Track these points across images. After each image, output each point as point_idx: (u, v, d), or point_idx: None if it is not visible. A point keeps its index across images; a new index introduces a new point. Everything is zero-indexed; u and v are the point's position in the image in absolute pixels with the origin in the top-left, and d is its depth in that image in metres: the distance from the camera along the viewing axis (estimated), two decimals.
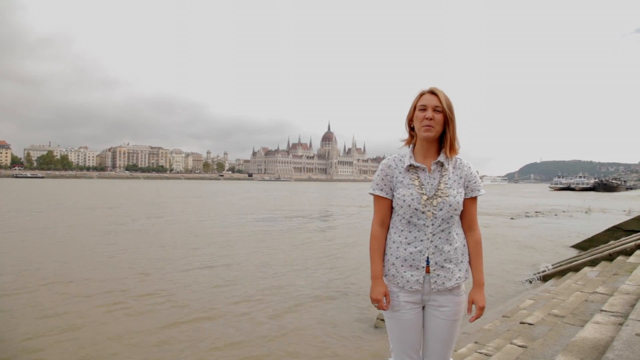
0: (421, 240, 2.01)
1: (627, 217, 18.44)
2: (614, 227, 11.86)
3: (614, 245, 9.29)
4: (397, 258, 2.05)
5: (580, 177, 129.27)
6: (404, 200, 2.01)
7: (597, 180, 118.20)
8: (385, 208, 2.10)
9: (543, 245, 13.96)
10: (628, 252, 7.50)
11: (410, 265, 2.03)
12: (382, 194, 2.08)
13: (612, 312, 3.35)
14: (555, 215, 27.47)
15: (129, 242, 13.53)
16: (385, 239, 2.12)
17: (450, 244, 2.02)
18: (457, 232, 2.07)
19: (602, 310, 3.42)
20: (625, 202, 43.37)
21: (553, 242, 14.66)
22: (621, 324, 3.02)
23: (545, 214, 28.07)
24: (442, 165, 2.04)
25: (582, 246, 12.41)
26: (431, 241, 2.01)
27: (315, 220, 22.53)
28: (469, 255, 2.12)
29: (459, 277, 2.05)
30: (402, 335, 2.09)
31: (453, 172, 2.05)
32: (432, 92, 2.01)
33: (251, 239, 14.83)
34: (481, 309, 2.06)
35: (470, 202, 2.09)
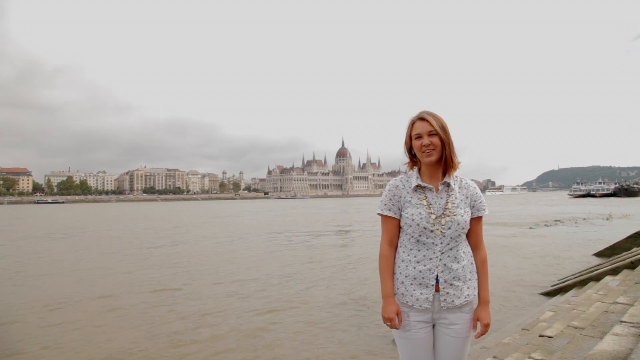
0: (430, 259, 2.03)
1: None
2: (637, 233, 11.55)
3: (636, 252, 9.05)
4: (406, 277, 2.07)
5: (600, 183, 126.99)
6: (413, 220, 2.04)
7: (617, 185, 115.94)
8: (394, 228, 2.13)
9: (564, 254, 13.67)
10: None
11: (420, 284, 2.04)
12: (391, 214, 2.12)
13: (633, 323, 3.26)
14: (576, 223, 26.91)
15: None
16: (394, 258, 2.14)
17: (459, 262, 2.04)
18: (465, 251, 2.09)
19: (621, 322, 3.34)
20: None
21: (574, 250, 14.36)
22: None
23: (565, 222, 27.53)
24: (448, 185, 2.09)
25: (604, 254, 12.13)
26: (440, 259, 2.03)
27: (332, 234, 22.46)
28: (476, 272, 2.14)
29: (468, 294, 2.06)
30: (413, 355, 2.09)
31: (459, 192, 2.10)
32: (422, 119, 2.07)
33: (274, 255, 14.85)
34: (486, 326, 2.08)
35: (475, 221, 2.13)
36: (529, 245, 15.97)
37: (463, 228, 2.04)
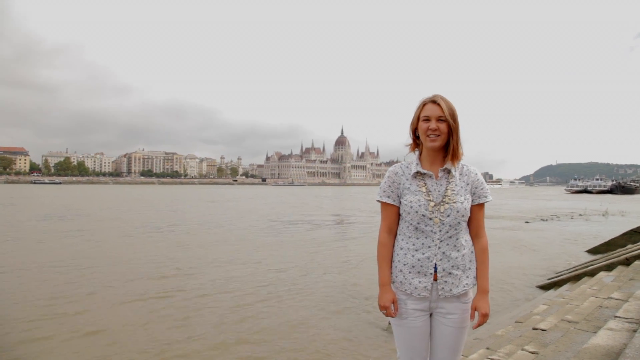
0: (429, 247, 2.01)
1: None
2: (632, 230, 11.61)
3: (631, 249, 9.09)
4: (404, 265, 2.05)
5: (597, 179, 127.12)
6: (411, 207, 2.01)
7: (614, 182, 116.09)
8: (393, 215, 2.10)
9: (559, 249, 13.74)
10: None
11: (418, 272, 2.02)
12: (390, 201, 2.08)
13: (627, 318, 3.28)
14: (572, 218, 27.02)
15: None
16: (393, 246, 2.11)
17: (458, 251, 2.01)
18: (465, 239, 2.06)
19: (616, 317, 3.36)
20: None
21: (569, 246, 14.43)
22: (635, 331, 2.96)
23: (562, 217, 27.63)
24: (449, 172, 2.05)
25: (598, 250, 12.19)
26: (439, 247, 2.00)
27: (330, 223, 22.52)
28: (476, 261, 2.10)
29: (467, 283, 2.04)
30: (409, 343, 2.08)
31: (460, 179, 2.05)
32: (434, 102, 2.01)
33: (271, 242, 14.88)
34: (484, 316, 2.04)
35: (477, 208, 2.07)
36: (524, 240, 16.03)
37: (463, 216, 2.00)
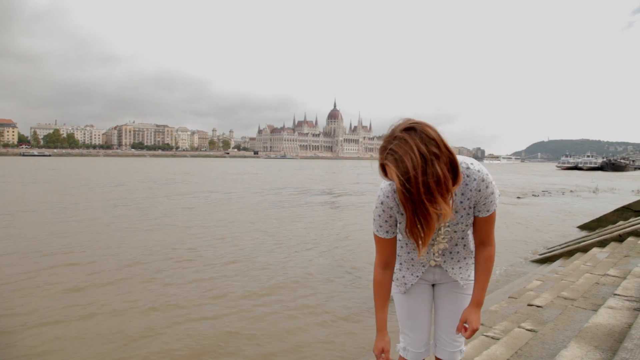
0: (423, 265, 1.85)
1: (637, 197, 18.23)
2: (623, 207, 11.65)
3: (623, 225, 9.11)
4: (398, 270, 1.90)
5: (588, 156, 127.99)
6: (406, 244, 1.83)
7: (605, 159, 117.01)
8: (390, 247, 1.78)
9: (549, 225, 13.81)
10: (639, 234, 7.34)
11: (412, 274, 1.87)
12: (388, 236, 1.76)
13: (627, 296, 3.21)
14: (563, 194, 27.21)
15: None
16: (390, 283, 1.85)
17: (458, 261, 1.84)
18: (469, 249, 1.85)
19: (615, 294, 3.29)
20: (634, 182, 42.89)
21: (560, 222, 14.51)
22: (637, 310, 2.89)
23: (553, 193, 27.82)
24: None
25: (589, 226, 12.24)
26: (434, 268, 1.85)
27: (323, 195, 22.47)
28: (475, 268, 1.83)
29: (462, 278, 1.87)
30: (411, 312, 1.94)
31: (460, 196, 1.64)
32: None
33: (265, 215, 14.83)
34: (473, 332, 1.76)
35: (482, 219, 1.68)
36: (515, 214, 16.10)
37: (463, 230, 1.73)
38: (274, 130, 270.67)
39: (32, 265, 7.91)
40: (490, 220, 1.67)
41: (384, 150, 1.41)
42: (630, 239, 7.23)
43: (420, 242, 1.50)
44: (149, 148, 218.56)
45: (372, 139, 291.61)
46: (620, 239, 7.53)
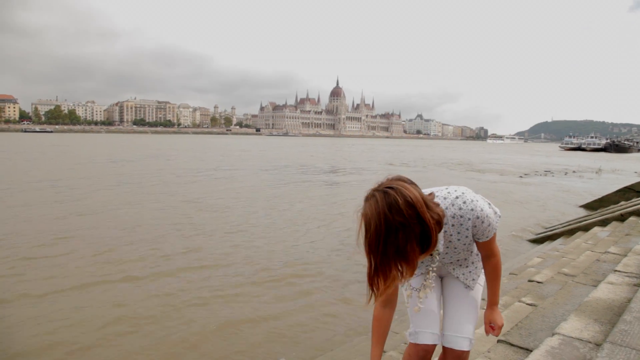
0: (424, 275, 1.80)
1: (639, 178, 18.23)
2: (626, 187, 11.68)
3: (625, 205, 9.15)
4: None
5: (591, 137, 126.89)
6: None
7: (608, 140, 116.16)
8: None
9: (552, 204, 13.86)
10: None
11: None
12: None
13: (627, 272, 3.27)
14: (566, 174, 27.20)
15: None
16: (390, 320, 1.79)
17: (467, 267, 1.82)
18: (473, 260, 1.82)
19: (615, 271, 3.34)
20: (637, 164, 42.81)
21: (562, 201, 14.56)
22: (637, 285, 2.95)
23: (555, 173, 27.80)
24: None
25: (591, 206, 12.29)
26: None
27: (326, 173, 22.52)
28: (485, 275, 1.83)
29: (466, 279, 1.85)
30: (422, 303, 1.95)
31: (454, 229, 1.62)
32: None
33: (268, 193, 14.92)
34: (500, 328, 1.84)
35: (483, 242, 1.66)
36: (517, 193, 16.17)
37: (466, 249, 1.70)
38: (276, 108, 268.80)
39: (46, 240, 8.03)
40: (490, 241, 1.66)
41: (365, 199, 1.39)
42: (632, 218, 7.28)
43: (375, 293, 1.42)
44: (150, 125, 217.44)
45: (375, 117, 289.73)
46: (622, 218, 7.58)
